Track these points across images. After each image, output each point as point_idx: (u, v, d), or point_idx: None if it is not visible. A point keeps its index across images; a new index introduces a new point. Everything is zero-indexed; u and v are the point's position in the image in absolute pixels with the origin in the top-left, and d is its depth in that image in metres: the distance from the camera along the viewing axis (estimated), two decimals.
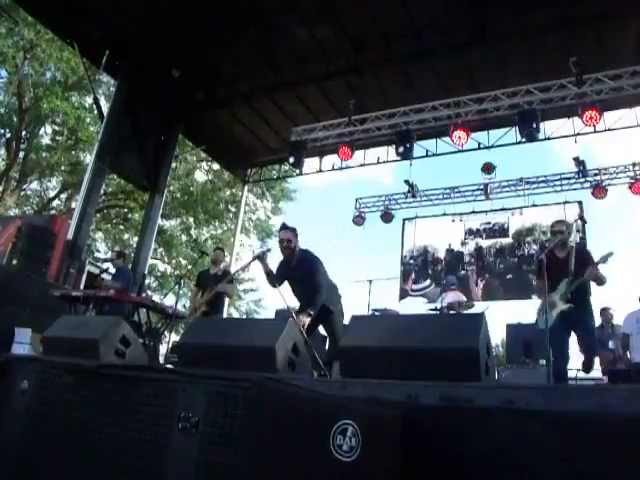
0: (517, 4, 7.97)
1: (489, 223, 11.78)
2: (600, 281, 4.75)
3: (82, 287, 8.73)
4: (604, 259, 4.69)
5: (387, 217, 12.61)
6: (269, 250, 5.18)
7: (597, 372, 6.39)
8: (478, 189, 11.97)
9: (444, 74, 9.47)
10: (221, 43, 9.33)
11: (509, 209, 11.65)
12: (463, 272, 11.64)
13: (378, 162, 11.61)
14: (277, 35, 9.22)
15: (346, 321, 5.23)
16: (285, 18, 8.80)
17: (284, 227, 5.08)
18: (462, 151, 10.33)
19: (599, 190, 10.71)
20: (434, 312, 8.37)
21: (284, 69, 10.04)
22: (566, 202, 11.07)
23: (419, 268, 12.21)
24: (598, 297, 5.09)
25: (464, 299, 10.16)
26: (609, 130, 9.42)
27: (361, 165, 11.64)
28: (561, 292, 4.75)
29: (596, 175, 11.01)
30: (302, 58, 9.65)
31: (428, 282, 11.95)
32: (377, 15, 8.52)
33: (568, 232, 4.90)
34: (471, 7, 8.19)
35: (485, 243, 11.67)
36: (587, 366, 4.91)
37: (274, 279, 5.03)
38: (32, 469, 3.01)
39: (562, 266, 4.78)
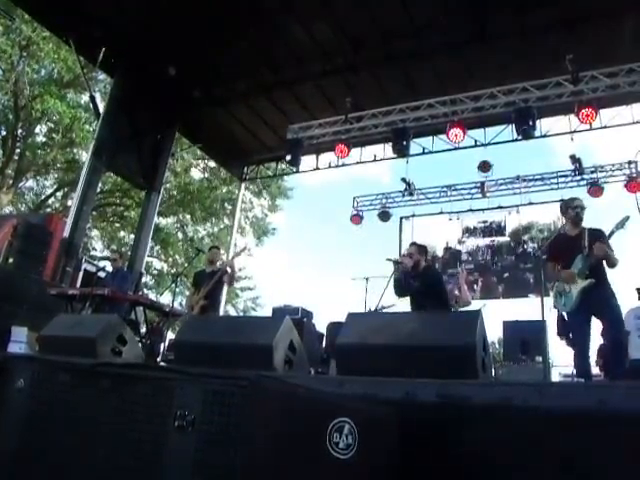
0: (517, 4, 7.97)
1: (486, 221, 11.78)
2: (610, 260, 4.38)
3: (79, 285, 8.72)
4: (621, 224, 4.41)
5: (384, 215, 12.60)
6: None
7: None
8: (475, 187, 11.96)
9: (444, 74, 9.47)
10: (220, 43, 9.30)
11: (506, 207, 11.64)
12: (457, 270, 11.63)
13: (375, 160, 11.62)
14: (276, 35, 9.19)
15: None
16: (284, 18, 8.77)
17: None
18: (458, 148, 10.34)
19: (595, 189, 10.71)
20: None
21: (282, 68, 10.03)
22: (562, 200, 11.05)
23: None
24: None
25: (458, 297, 10.16)
26: (605, 127, 9.44)
27: (357, 163, 11.66)
28: (578, 268, 4.45)
29: (592, 173, 11.02)
30: (300, 57, 9.64)
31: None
32: (376, 14, 8.50)
33: (581, 208, 4.71)
34: (471, 7, 8.18)
35: (482, 241, 11.67)
36: (616, 364, 4.25)
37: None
38: (30, 468, 3.01)
39: (575, 243, 4.55)
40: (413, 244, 5.75)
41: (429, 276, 5.41)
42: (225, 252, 12.44)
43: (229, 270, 6.64)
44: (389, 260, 5.45)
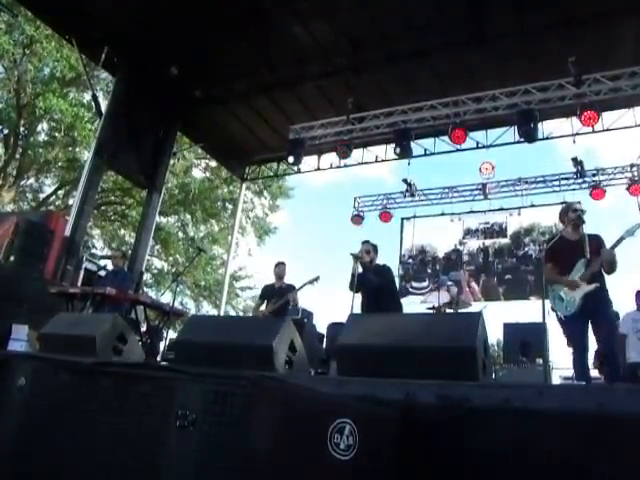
0: (517, 4, 7.96)
1: (487, 223, 11.78)
2: (612, 266, 4.32)
3: (80, 284, 8.72)
4: (631, 232, 4.29)
5: (385, 216, 12.61)
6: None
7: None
8: (476, 189, 11.97)
9: (444, 74, 9.47)
10: (220, 42, 9.32)
11: (507, 209, 11.65)
12: (459, 272, 11.63)
13: (376, 161, 11.64)
14: (276, 35, 9.18)
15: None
16: (284, 18, 8.78)
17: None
18: (460, 150, 10.35)
19: (597, 192, 10.72)
20: (431, 311, 8.39)
21: (282, 68, 10.03)
22: (564, 202, 11.06)
23: (417, 267, 12.22)
24: None
25: (459, 298, 10.17)
26: (607, 130, 9.44)
27: (359, 164, 11.68)
28: (581, 273, 4.40)
29: (594, 176, 11.01)
30: (301, 57, 9.64)
31: (426, 283, 11.94)
32: (376, 15, 8.51)
33: (582, 211, 4.65)
34: (471, 7, 8.17)
35: (483, 243, 11.67)
36: (610, 372, 4.32)
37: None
38: (30, 466, 3.01)
39: (575, 248, 4.50)
40: (367, 242, 5.86)
41: (389, 274, 5.69)
42: (226, 252, 12.41)
43: (295, 297, 6.79)
44: (352, 255, 5.59)
